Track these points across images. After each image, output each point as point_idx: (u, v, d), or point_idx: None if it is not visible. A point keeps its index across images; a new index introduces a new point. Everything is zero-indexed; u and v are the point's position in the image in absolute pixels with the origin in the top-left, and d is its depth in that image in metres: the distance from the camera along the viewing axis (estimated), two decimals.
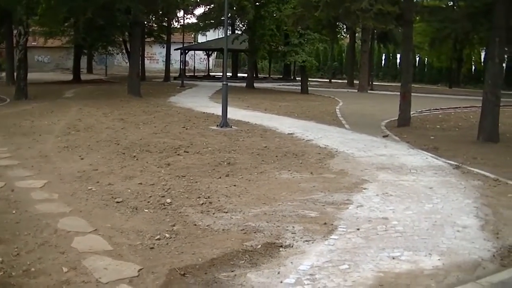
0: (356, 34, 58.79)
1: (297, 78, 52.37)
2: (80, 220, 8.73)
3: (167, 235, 8.00)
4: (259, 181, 11.60)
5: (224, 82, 20.88)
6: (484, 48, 50.83)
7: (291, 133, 18.72)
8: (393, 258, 7.28)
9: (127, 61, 45.24)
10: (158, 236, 7.90)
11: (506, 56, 25.27)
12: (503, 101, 20.04)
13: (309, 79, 45.48)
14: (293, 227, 8.42)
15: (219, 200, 9.90)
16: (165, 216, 8.95)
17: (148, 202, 9.78)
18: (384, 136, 19.18)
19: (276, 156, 14.42)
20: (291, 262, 7.07)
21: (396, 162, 14.22)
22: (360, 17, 21.67)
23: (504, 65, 22.44)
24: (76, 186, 10.88)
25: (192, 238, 7.92)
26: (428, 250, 7.63)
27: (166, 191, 10.54)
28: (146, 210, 9.29)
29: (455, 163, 14.16)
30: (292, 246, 7.64)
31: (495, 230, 8.62)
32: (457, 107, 32.56)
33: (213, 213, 9.12)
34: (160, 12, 47.23)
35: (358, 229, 8.40)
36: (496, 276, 6.83)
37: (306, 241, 7.85)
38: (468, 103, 34.12)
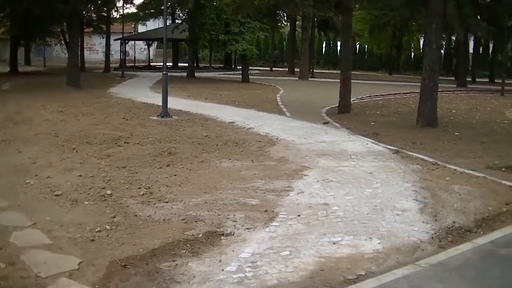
0: (297, 22, 58.90)
1: (238, 67, 52.26)
2: (18, 214, 8.53)
3: (107, 226, 7.89)
4: (200, 170, 11.54)
5: (164, 72, 20.68)
6: (423, 35, 51.58)
7: (232, 122, 18.68)
8: (334, 243, 7.34)
9: (66, 52, 44.44)
10: (98, 228, 7.79)
11: (443, 42, 25.85)
12: (441, 86, 20.40)
13: (250, 67, 45.49)
14: (234, 215, 8.41)
15: (159, 190, 9.81)
16: (105, 208, 8.82)
17: (88, 194, 9.62)
18: (324, 123, 19.30)
19: (217, 145, 14.37)
20: (233, 250, 7.06)
21: (336, 148, 14.34)
22: (300, 4, 21.78)
23: (442, 51, 22.82)
24: (14, 180, 10.63)
25: (133, 229, 7.83)
26: (369, 234, 7.71)
27: (107, 182, 10.39)
28: (86, 202, 9.14)
29: (395, 148, 14.38)
30: (233, 234, 7.63)
31: (433, 213, 8.79)
32: (396, 93, 33.00)
33: (154, 204, 9.03)
34: (99, 2, 46.49)
35: (299, 216, 8.43)
36: (434, 258, 6.94)
37: (247, 228, 7.84)
38: (407, 89, 34.60)
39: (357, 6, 34.55)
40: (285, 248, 7.12)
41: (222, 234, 7.60)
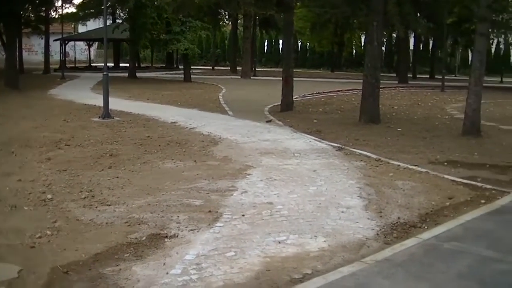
0: (238, 21, 58.90)
1: (180, 67, 51.96)
2: None
3: (48, 232, 7.68)
4: (143, 171, 11.38)
5: (105, 73, 20.41)
6: (364, 32, 52.06)
7: (174, 122, 18.53)
8: (279, 243, 7.29)
9: (3, 53, 43.53)
10: (39, 234, 7.57)
11: (384, 39, 26.13)
12: (382, 83, 20.60)
13: (192, 67, 45.24)
14: (178, 216, 8.29)
15: (101, 193, 9.62)
16: (46, 213, 8.59)
17: (28, 199, 9.36)
18: (267, 121, 19.26)
19: (159, 145, 14.22)
20: (177, 253, 6.95)
21: (279, 146, 14.33)
22: (241, 3, 21.67)
23: (383, 48, 23.03)
24: None
25: (74, 234, 7.64)
26: (314, 232, 7.69)
27: (47, 186, 10.14)
28: (26, 208, 8.89)
29: (338, 145, 14.43)
30: (178, 236, 7.51)
31: (378, 209, 8.83)
32: (339, 90, 33.28)
33: (96, 207, 8.84)
34: (37, 2, 45.59)
35: (243, 215, 8.37)
36: (380, 254, 6.95)
37: (192, 230, 7.74)
38: (349, 86, 34.94)
39: (298, 4, 34.60)
40: (230, 249, 7.04)
41: (166, 236, 7.48)
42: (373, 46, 19.05)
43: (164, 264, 6.62)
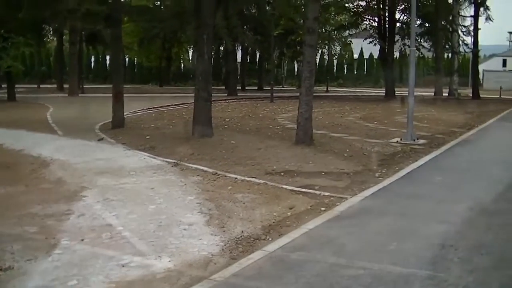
0: (64, 37, 57.21)
1: (3, 85, 49.67)
2: None
3: None
4: None
5: None
6: (192, 46, 52.34)
7: (1, 144, 17.52)
8: (123, 266, 6.97)
9: None
10: None
11: (213, 52, 26.32)
12: (213, 96, 20.59)
13: (17, 85, 43.36)
14: (12, 246, 7.69)
15: None
16: None
17: None
18: (99, 140, 18.70)
19: None
20: (14, 286, 6.46)
21: (114, 165, 13.95)
22: (68, 17, 21.03)
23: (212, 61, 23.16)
24: None
25: None
26: (158, 252, 7.44)
27: None
28: None
29: (173, 161, 14.25)
30: (13, 268, 6.95)
31: (220, 224, 8.73)
32: (169, 105, 33.08)
33: None
34: None
35: (82, 240, 7.95)
36: (227, 270, 6.83)
37: (28, 260, 7.19)
38: (179, 100, 34.82)
39: (126, 18, 34.16)
40: (72, 277, 6.60)
41: (0, 269, 6.94)
42: (204, 59, 19.03)
43: None
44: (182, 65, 67.42)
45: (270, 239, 8.10)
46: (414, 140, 18.29)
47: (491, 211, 9.98)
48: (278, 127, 22.35)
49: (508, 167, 14.53)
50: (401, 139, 18.53)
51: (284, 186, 11.44)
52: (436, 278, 6.59)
